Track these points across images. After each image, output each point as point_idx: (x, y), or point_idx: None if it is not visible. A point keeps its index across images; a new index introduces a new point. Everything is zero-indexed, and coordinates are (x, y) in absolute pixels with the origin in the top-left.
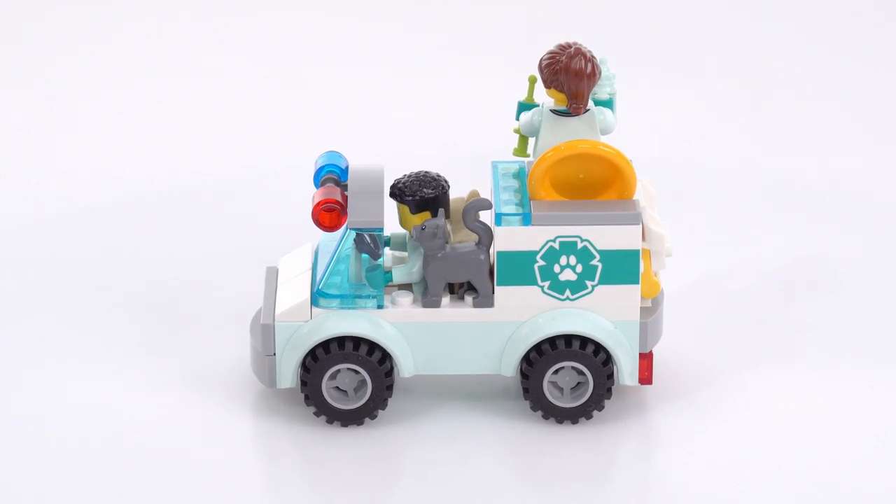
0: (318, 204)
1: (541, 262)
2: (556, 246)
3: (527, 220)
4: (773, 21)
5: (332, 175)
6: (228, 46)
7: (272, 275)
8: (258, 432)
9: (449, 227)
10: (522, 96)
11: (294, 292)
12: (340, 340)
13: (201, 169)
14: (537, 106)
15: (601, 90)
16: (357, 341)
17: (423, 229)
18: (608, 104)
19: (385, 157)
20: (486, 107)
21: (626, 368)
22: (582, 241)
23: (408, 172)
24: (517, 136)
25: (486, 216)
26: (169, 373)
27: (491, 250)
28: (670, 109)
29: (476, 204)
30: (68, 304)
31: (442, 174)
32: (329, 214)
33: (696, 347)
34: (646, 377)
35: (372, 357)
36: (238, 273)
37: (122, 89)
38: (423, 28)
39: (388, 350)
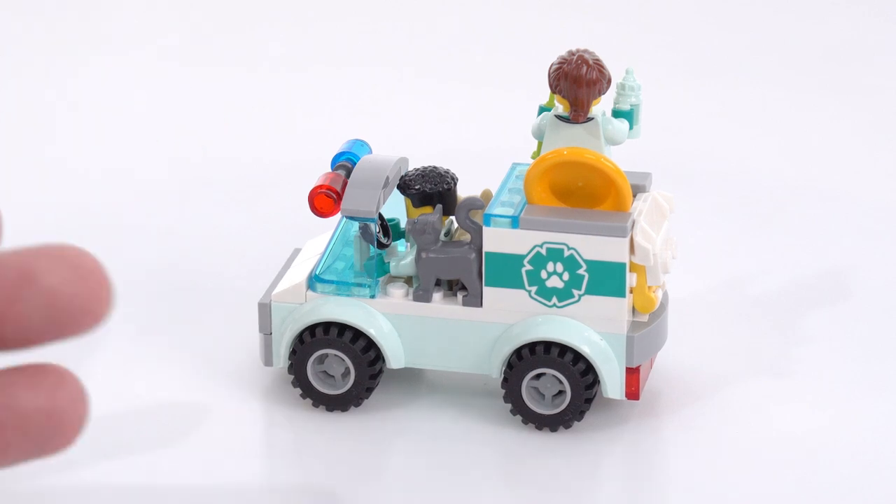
0: (315, 188)
1: (528, 267)
2: (544, 252)
3: (515, 223)
4: (781, 25)
5: (347, 163)
6: (272, 43)
7: (293, 256)
8: (252, 412)
9: (455, 223)
10: (545, 100)
11: (297, 274)
12: (329, 325)
13: (242, 158)
14: None
15: (623, 100)
16: (345, 328)
17: (415, 224)
18: (629, 115)
19: (419, 153)
20: (522, 109)
21: (610, 381)
22: (569, 248)
23: (418, 166)
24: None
25: None
26: (185, 352)
27: None
28: (678, 116)
29: (468, 202)
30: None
31: (451, 170)
32: (324, 200)
33: (692, 359)
34: (633, 392)
35: (356, 345)
36: (276, 256)
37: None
38: (465, 33)
39: (374, 339)
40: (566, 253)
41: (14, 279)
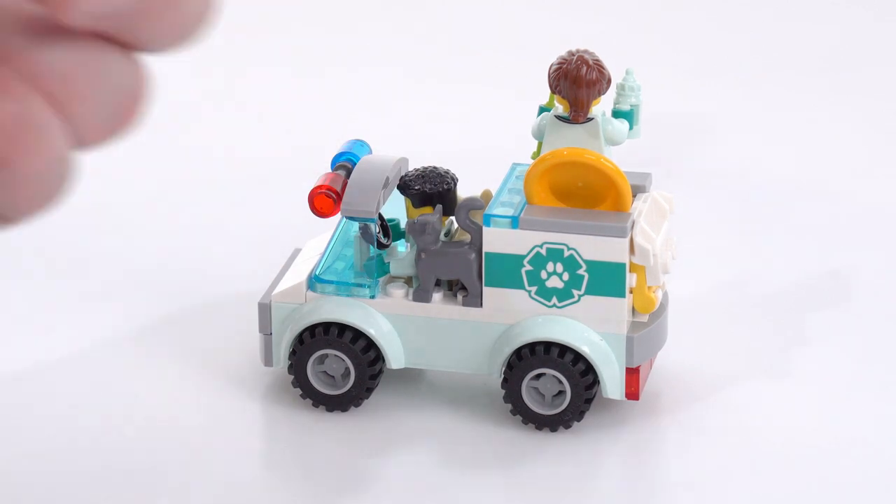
0: (315, 188)
1: (528, 267)
2: (543, 252)
3: (515, 223)
4: (781, 25)
5: (347, 163)
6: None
7: (293, 256)
8: (252, 412)
9: (455, 224)
10: (546, 101)
11: (297, 275)
12: (329, 326)
13: (253, 157)
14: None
15: (624, 101)
16: (345, 328)
17: (414, 224)
18: (628, 115)
19: (419, 153)
20: (522, 109)
21: (609, 382)
22: (569, 249)
23: (418, 167)
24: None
25: None
26: (185, 352)
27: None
28: (678, 116)
29: (468, 203)
30: (102, 290)
31: (451, 171)
32: (324, 200)
33: (692, 359)
34: (633, 392)
35: (356, 345)
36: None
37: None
38: (465, 33)
39: (374, 339)
40: (566, 253)
41: None
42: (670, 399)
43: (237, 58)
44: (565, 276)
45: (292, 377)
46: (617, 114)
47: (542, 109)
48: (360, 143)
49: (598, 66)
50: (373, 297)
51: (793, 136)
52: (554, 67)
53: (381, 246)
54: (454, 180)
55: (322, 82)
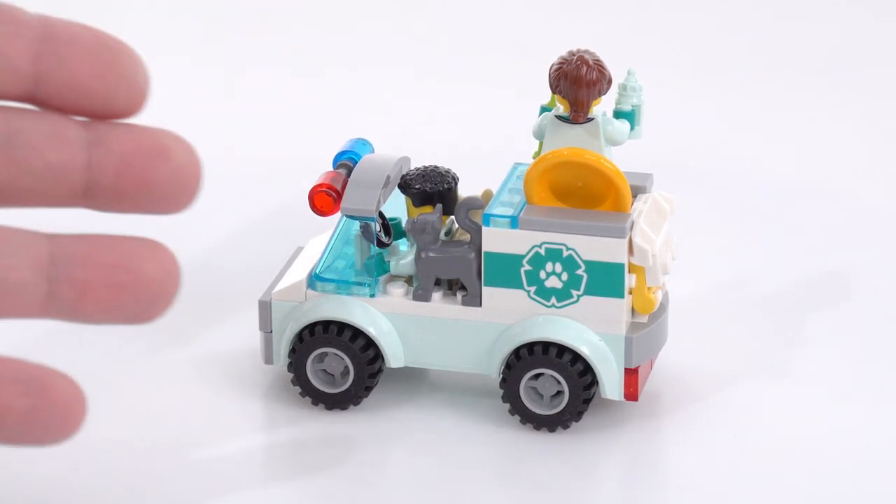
0: (316, 186)
1: (527, 267)
2: (542, 252)
3: (514, 223)
4: (782, 25)
5: (349, 162)
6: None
7: (295, 254)
8: (252, 411)
9: (456, 223)
10: (547, 101)
11: (297, 273)
12: (328, 324)
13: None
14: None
15: (625, 101)
16: (344, 326)
17: (414, 223)
18: (630, 115)
19: (420, 152)
20: (523, 109)
21: (608, 382)
22: (567, 249)
23: (419, 166)
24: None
25: None
26: (185, 351)
27: None
28: (680, 116)
29: (468, 202)
30: None
31: (452, 170)
32: (324, 198)
33: (692, 359)
34: (631, 393)
35: (355, 344)
36: (278, 254)
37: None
38: (467, 33)
39: (373, 338)
40: (565, 253)
41: (152, 150)
42: (670, 399)
43: (237, 58)
44: (564, 277)
45: (292, 375)
46: (618, 114)
47: (544, 109)
48: (363, 142)
49: (599, 66)
50: (373, 295)
51: (793, 136)
52: (554, 67)
53: (381, 245)
54: (455, 179)
55: (322, 82)
